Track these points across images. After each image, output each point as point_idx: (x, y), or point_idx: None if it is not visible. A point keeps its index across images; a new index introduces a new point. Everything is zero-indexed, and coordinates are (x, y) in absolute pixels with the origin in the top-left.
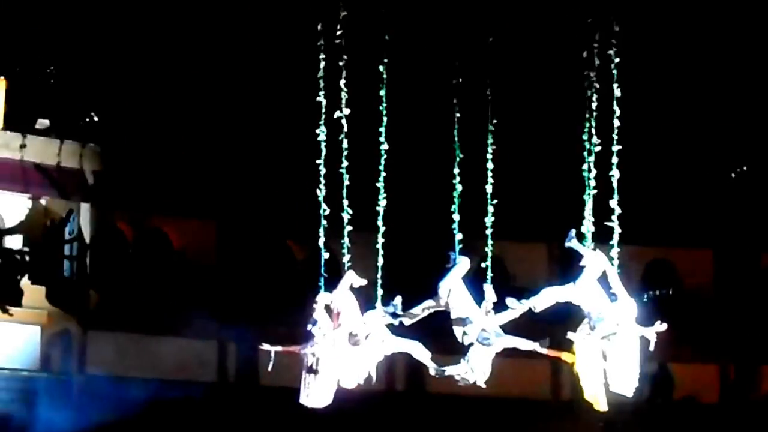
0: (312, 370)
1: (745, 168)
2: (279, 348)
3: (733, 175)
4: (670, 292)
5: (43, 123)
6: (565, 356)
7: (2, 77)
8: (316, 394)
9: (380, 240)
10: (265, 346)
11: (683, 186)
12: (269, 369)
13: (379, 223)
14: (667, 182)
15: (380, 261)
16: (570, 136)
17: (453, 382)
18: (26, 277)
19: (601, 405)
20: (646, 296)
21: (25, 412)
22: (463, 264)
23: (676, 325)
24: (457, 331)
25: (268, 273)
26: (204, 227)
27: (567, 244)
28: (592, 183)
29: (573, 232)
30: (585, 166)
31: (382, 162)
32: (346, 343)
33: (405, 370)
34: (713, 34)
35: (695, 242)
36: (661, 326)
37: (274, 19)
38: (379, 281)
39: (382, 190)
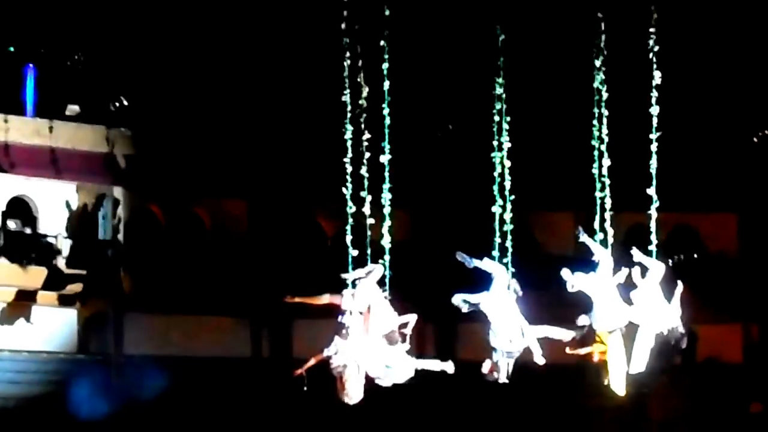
0: (341, 371)
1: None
2: (310, 362)
3: (755, 139)
4: (695, 256)
5: (72, 108)
6: (596, 349)
7: (31, 64)
8: (351, 392)
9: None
10: (299, 372)
11: (706, 151)
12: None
13: (385, 212)
14: (690, 147)
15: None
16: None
17: (480, 350)
18: (61, 261)
19: (621, 390)
20: (671, 261)
21: (64, 394)
22: (500, 275)
23: (701, 287)
24: (502, 340)
25: (299, 250)
26: (235, 207)
27: (580, 239)
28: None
29: (581, 228)
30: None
31: (387, 162)
32: (383, 344)
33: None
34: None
35: (719, 206)
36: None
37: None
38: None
39: (387, 184)
